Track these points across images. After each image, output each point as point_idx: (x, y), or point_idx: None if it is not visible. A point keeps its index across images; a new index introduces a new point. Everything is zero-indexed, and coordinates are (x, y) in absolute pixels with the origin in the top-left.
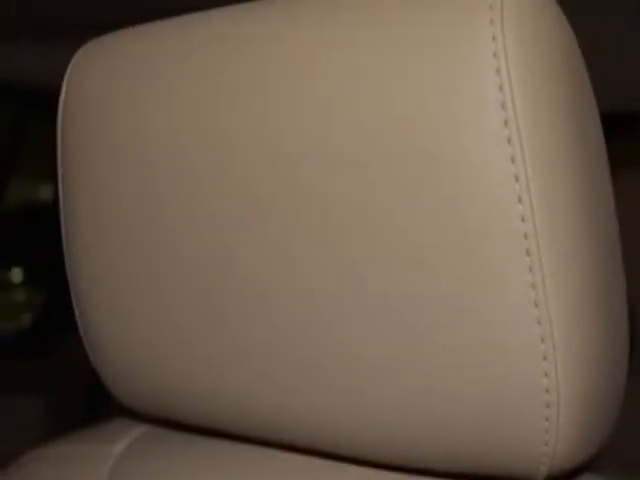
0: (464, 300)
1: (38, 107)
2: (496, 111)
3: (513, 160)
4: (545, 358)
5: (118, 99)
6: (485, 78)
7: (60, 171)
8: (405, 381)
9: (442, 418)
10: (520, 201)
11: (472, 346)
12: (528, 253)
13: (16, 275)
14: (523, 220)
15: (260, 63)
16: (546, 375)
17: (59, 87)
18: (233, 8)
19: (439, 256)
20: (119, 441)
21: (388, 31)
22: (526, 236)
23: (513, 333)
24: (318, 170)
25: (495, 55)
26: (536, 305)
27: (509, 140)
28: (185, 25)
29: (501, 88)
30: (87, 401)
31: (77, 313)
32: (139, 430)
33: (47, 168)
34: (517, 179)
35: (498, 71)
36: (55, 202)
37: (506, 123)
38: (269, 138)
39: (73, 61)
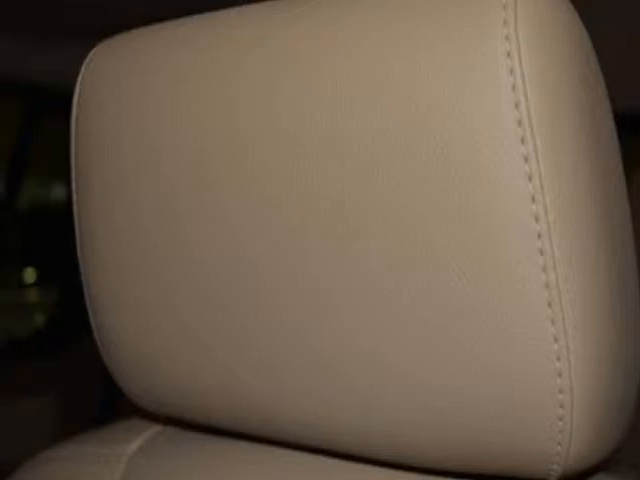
0: (477, 299)
1: (51, 107)
2: (509, 111)
3: (526, 159)
4: (558, 358)
5: (132, 99)
6: (498, 78)
7: (73, 171)
8: (418, 380)
9: (456, 418)
10: (533, 201)
11: (485, 346)
12: (542, 253)
13: (29, 275)
14: (537, 220)
15: (274, 62)
16: (560, 375)
17: (71, 87)
18: (245, 8)
19: (452, 255)
20: (132, 441)
21: (401, 31)
22: (540, 236)
23: (526, 333)
24: (334, 168)
25: (509, 55)
26: (549, 305)
27: (522, 140)
28: (199, 25)
29: (514, 88)
30: (102, 401)
31: (90, 313)
32: (153, 430)
33: (60, 168)
34: (530, 179)
35: (511, 71)
36: (68, 202)
37: (519, 123)
38: (283, 137)
39: (86, 61)
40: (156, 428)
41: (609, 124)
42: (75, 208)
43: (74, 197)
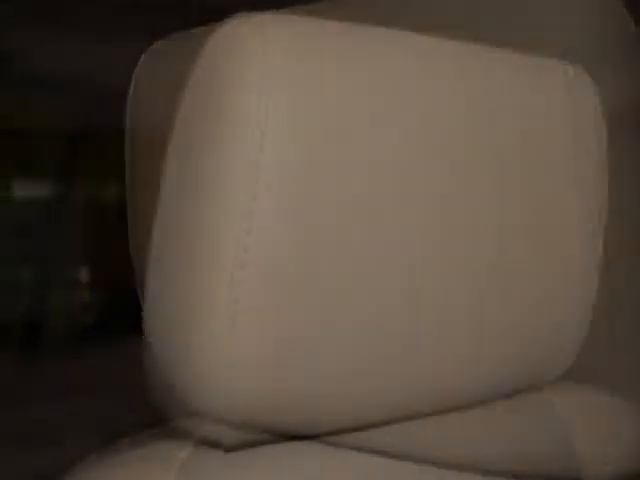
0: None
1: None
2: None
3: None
4: None
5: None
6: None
7: (128, 170)
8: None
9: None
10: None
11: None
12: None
13: (82, 274)
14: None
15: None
16: None
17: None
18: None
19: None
20: (185, 443)
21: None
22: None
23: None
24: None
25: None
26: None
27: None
28: None
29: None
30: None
31: (145, 312)
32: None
33: (113, 167)
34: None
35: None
36: (123, 201)
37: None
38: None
39: (141, 61)
40: None
41: None
42: (129, 207)
43: (128, 196)
